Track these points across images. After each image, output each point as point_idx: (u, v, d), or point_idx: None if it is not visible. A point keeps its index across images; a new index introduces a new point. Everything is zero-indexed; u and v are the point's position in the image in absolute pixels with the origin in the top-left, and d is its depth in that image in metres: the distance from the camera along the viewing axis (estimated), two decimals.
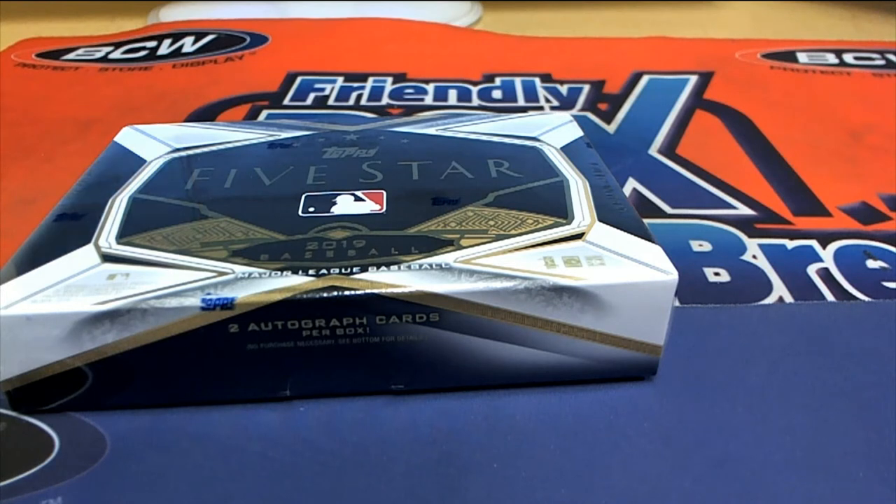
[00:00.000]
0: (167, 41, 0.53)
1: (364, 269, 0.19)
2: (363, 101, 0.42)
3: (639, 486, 0.17)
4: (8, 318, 0.17)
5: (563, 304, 0.19)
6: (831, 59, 0.50)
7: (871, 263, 0.27)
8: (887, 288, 0.25)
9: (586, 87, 0.44)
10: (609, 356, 0.20)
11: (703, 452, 0.18)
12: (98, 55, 0.50)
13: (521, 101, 0.42)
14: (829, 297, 0.25)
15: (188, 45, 0.52)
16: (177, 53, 0.51)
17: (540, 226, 0.21)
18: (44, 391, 0.19)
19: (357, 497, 0.17)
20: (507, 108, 0.41)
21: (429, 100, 0.42)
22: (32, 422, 0.19)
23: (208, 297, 0.18)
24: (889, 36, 0.58)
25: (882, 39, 0.56)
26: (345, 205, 0.22)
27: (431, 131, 0.28)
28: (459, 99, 0.43)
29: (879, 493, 0.17)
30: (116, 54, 0.50)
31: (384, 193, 0.23)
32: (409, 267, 0.19)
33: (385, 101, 0.42)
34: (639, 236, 0.20)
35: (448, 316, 0.18)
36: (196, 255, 0.19)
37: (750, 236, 0.28)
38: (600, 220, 0.21)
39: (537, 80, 0.46)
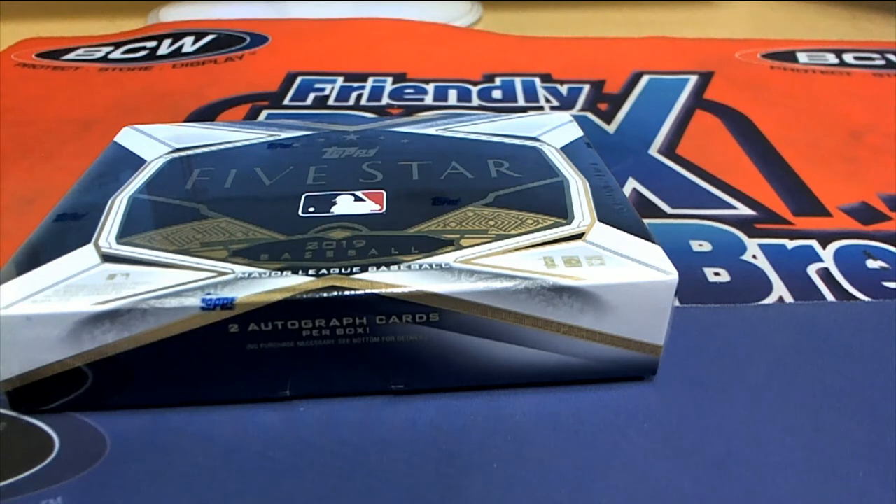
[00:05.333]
0: (167, 41, 0.53)
1: (364, 269, 0.19)
2: (363, 101, 0.42)
3: (639, 486, 0.17)
4: (8, 318, 0.17)
5: (563, 304, 0.19)
6: (831, 59, 0.50)
7: (871, 263, 0.27)
8: (887, 288, 0.25)
9: (586, 87, 0.44)
10: (609, 356, 0.20)
11: (703, 452, 0.18)
12: (98, 55, 0.50)
13: (521, 101, 0.42)
14: (829, 297, 0.25)
15: (188, 45, 0.52)
16: (177, 53, 0.51)
17: (540, 226, 0.21)
18: (44, 391, 0.19)
19: (357, 497, 0.17)
20: (507, 108, 0.41)
21: (429, 100, 0.42)
22: (32, 422, 0.19)
23: (208, 297, 0.18)
24: (889, 36, 0.58)
25: (882, 39, 0.56)
26: (345, 205, 0.22)
27: (431, 131, 0.28)
28: (459, 99, 0.43)
29: (879, 493, 0.17)
30: (116, 54, 0.50)
31: (384, 193, 0.23)
32: (409, 267, 0.19)
33: (385, 101, 0.42)
34: (639, 236, 0.20)
35: (448, 316, 0.18)
36: (196, 255, 0.19)
37: (750, 236, 0.28)
38: (600, 220, 0.21)
39: (537, 80, 0.46)
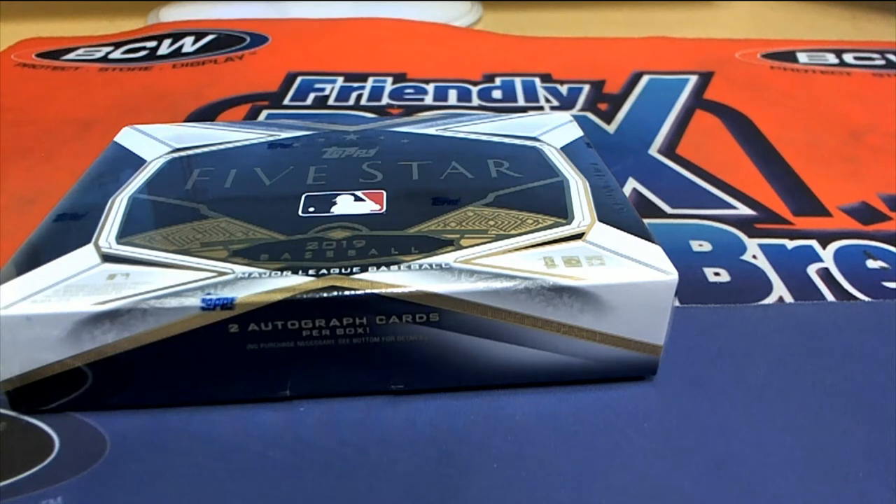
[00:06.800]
0: (167, 41, 0.53)
1: (364, 269, 0.19)
2: (363, 101, 0.42)
3: (639, 486, 0.17)
4: (8, 318, 0.17)
5: (563, 304, 0.19)
6: (831, 59, 0.50)
7: (871, 263, 0.27)
8: (887, 288, 0.25)
9: (586, 87, 0.44)
10: (609, 356, 0.20)
11: (703, 452, 0.18)
12: (98, 55, 0.50)
13: (521, 101, 0.42)
14: (829, 297, 0.25)
15: (188, 45, 0.52)
16: (177, 53, 0.51)
17: (540, 226, 0.21)
18: (44, 391, 0.19)
19: (357, 497, 0.17)
20: (507, 108, 0.41)
21: (429, 100, 0.42)
22: (32, 422, 0.19)
23: (208, 297, 0.18)
24: (889, 36, 0.58)
25: (882, 39, 0.56)
26: (345, 205, 0.22)
27: (431, 131, 0.28)
28: (459, 99, 0.43)
29: (879, 493, 0.17)
30: (116, 54, 0.50)
31: (384, 193, 0.23)
32: (409, 267, 0.19)
33: (385, 101, 0.42)
34: (639, 236, 0.20)
35: (448, 316, 0.18)
36: (196, 255, 0.19)
37: (750, 236, 0.28)
38: (600, 220, 0.21)
39: (537, 80, 0.46)
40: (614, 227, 0.21)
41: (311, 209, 0.22)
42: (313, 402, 0.20)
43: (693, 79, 0.46)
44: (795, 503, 0.17)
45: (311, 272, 0.19)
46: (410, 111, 0.41)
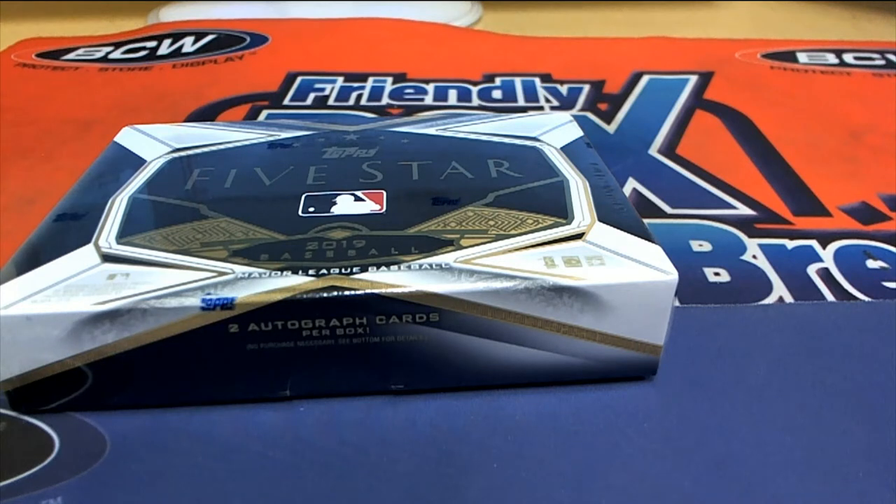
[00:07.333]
0: (167, 41, 0.53)
1: (364, 269, 0.19)
2: (363, 101, 0.42)
3: (639, 486, 0.17)
4: (8, 318, 0.17)
5: (563, 304, 0.19)
6: (831, 59, 0.50)
7: (871, 263, 0.27)
8: (887, 288, 0.25)
9: (586, 87, 0.44)
10: (609, 356, 0.20)
11: (703, 452, 0.18)
12: (98, 55, 0.50)
13: (521, 101, 0.42)
14: (829, 297, 0.25)
15: (188, 45, 0.52)
16: (177, 53, 0.51)
17: (540, 226, 0.21)
18: (44, 391, 0.19)
19: (357, 497, 0.17)
20: (507, 108, 0.41)
21: (429, 100, 0.42)
22: (32, 422, 0.19)
23: (208, 297, 0.18)
24: (889, 36, 0.58)
25: (882, 39, 0.56)
26: (345, 205, 0.22)
27: (431, 131, 0.28)
28: (459, 99, 0.43)
29: (879, 493, 0.17)
30: (116, 54, 0.50)
31: (384, 193, 0.23)
32: (409, 267, 0.19)
33: (385, 101, 0.42)
34: (639, 236, 0.20)
35: (448, 316, 0.18)
36: (196, 255, 0.19)
37: (750, 236, 0.28)
38: (600, 220, 0.21)
39: (537, 80, 0.46)
40: (614, 227, 0.21)
41: (311, 209, 0.22)
42: (313, 402, 0.20)
43: (693, 79, 0.46)
44: (795, 503, 0.17)
45: (311, 272, 0.19)
46: (410, 111, 0.41)
